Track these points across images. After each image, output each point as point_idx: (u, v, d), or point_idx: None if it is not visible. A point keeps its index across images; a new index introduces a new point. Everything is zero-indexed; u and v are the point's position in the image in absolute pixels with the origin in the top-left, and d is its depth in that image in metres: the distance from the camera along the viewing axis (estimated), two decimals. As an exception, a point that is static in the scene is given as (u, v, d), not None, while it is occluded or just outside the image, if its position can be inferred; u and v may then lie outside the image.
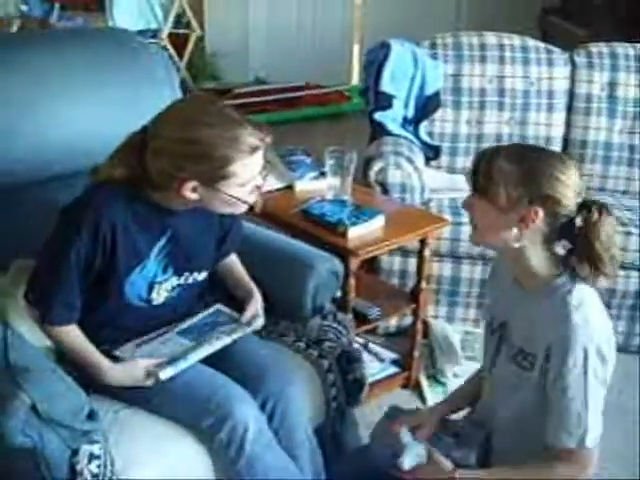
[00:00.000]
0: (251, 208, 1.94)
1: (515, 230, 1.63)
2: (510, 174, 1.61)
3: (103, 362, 1.90)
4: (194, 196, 1.83)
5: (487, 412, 1.87)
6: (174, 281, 2.01)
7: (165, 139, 1.81)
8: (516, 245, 1.65)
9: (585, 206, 1.61)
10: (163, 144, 1.80)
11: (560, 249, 1.67)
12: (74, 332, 1.92)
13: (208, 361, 1.98)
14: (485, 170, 1.65)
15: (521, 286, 1.73)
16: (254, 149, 1.81)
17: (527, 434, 1.73)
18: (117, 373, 1.89)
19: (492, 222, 1.67)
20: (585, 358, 1.59)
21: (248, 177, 1.83)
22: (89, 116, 2.31)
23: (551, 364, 1.62)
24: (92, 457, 1.71)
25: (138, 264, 1.93)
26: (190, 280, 2.05)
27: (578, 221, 1.60)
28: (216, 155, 1.78)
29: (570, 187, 1.60)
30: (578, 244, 1.63)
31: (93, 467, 1.71)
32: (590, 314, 1.62)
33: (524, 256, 1.67)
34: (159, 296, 2.00)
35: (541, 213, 1.60)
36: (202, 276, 2.08)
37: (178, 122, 1.82)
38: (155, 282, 1.98)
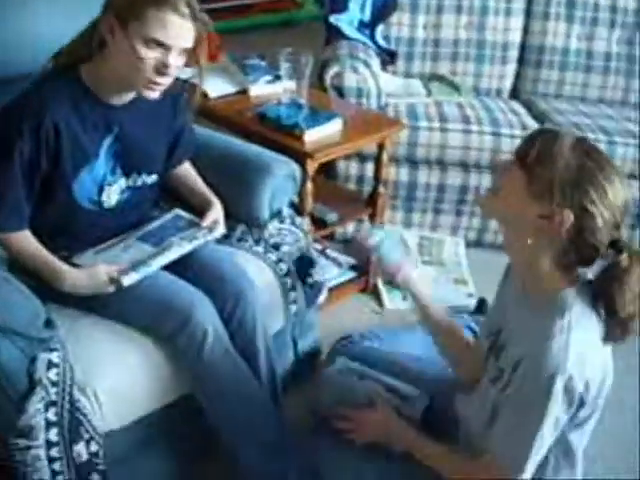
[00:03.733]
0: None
1: (532, 221, 1.47)
2: (567, 167, 1.43)
3: (62, 267, 1.84)
4: (109, 38, 1.75)
5: (462, 405, 1.83)
6: (123, 183, 1.96)
7: None
8: (524, 240, 1.51)
9: (618, 246, 1.45)
10: None
11: (579, 272, 1.53)
12: (27, 239, 1.86)
13: (167, 266, 1.95)
14: (545, 147, 1.46)
15: (525, 294, 1.60)
16: (180, 13, 1.72)
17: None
18: (78, 279, 1.84)
19: (517, 200, 1.49)
20: (550, 387, 1.44)
21: (156, 36, 1.71)
22: (32, 16, 2.17)
23: (515, 376, 1.53)
24: (51, 365, 1.69)
25: (86, 163, 1.87)
26: (139, 182, 2.00)
27: (607, 259, 1.45)
28: None
29: (612, 211, 1.43)
30: (598, 284, 1.49)
31: (52, 375, 1.69)
32: (574, 345, 1.44)
33: (532, 258, 1.52)
34: (110, 199, 1.95)
35: (563, 217, 1.43)
36: (152, 179, 2.03)
37: None
38: (104, 183, 1.92)
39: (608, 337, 1.51)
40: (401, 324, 2.83)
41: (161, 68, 1.75)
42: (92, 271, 1.84)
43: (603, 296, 1.48)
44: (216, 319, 1.92)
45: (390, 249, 1.88)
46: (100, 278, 1.83)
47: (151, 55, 1.73)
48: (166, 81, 1.80)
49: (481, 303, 2.84)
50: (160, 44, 1.73)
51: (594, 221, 1.43)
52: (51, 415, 1.67)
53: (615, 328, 1.49)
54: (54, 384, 1.68)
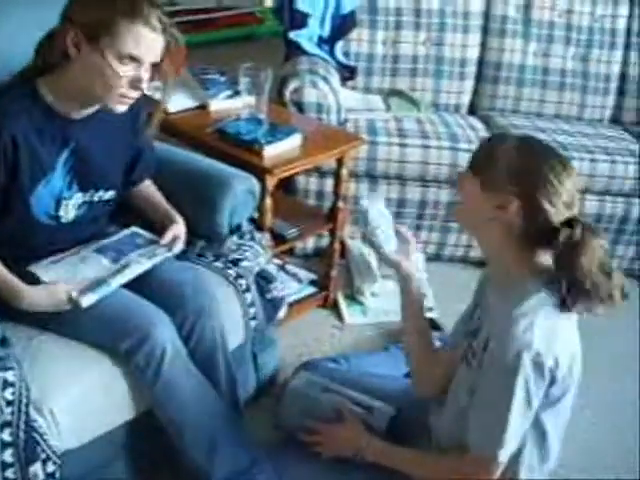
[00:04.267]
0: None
1: (491, 215, 1.59)
2: (509, 160, 1.58)
3: (20, 285, 1.80)
4: (73, 52, 1.72)
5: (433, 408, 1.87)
6: (80, 198, 1.94)
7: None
8: (489, 233, 1.62)
9: (570, 223, 1.54)
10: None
11: (543, 257, 1.61)
12: None
13: (126, 283, 1.93)
14: (489, 150, 1.63)
15: (497, 287, 1.69)
16: (151, 27, 1.71)
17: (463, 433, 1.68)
18: (36, 297, 1.80)
19: (475, 201, 1.63)
20: (516, 364, 1.50)
21: (130, 51, 1.70)
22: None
23: (485, 355, 1.58)
24: (6, 384, 1.66)
25: (43, 177, 1.85)
26: (96, 198, 1.98)
27: (561, 237, 1.52)
28: (113, 6, 1.68)
29: (560, 196, 1.54)
30: (557, 261, 1.56)
31: (7, 394, 1.65)
32: (539, 324, 1.53)
33: (499, 250, 1.63)
34: (67, 213, 1.93)
35: (515, 204, 1.55)
36: (109, 194, 2.01)
37: None
38: (62, 198, 1.91)
39: (577, 308, 1.57)
40: (361, 338, 2.85)
41: (135, 82, 1.75)
42: (51, 289, 1.81)
43: (565, 270, 1.54)
44: (175, 337, 1.91)
45: (388, 237, 1.88)
46: (59, 297, 1.80)
47: (125, 70, 1.72)
48: (138, 95, 1.80)
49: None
50: (133, 59, 1.72)
51: (542, 205, 1.54)
52: (6, 435, 1.64)
53: (583, 299, 1.55)
54: (9, 403, 1.65)
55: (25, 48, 1.83)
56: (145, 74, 1.76)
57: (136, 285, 1.95)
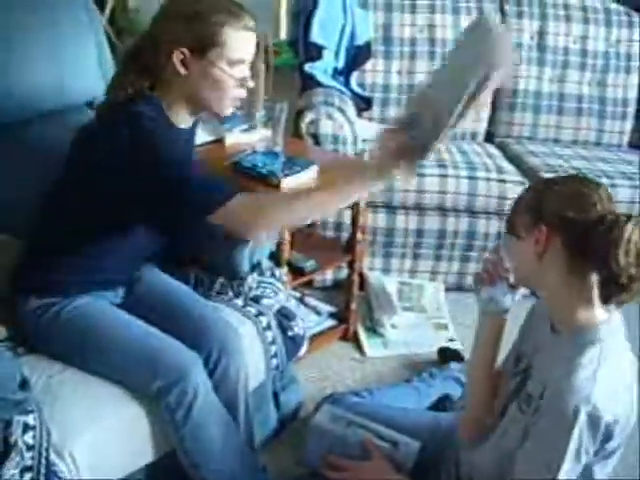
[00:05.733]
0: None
1: (534, 255, 1.55)
2: (522, 199, 1.61)
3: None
4: (183, 71, 1.77)
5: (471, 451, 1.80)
6: None
7: (163, 14, 1.81)
8: (545, 276, 1.57)
9: (602, 218, 1.48)
10: (161, 16, 1.80)
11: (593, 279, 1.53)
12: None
13: (151, 318, 1.94)
14: (515, 203, 1.64)
15: (555, 330, 1.62)
16: (249, 29, 1.80)
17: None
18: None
19: (517, 254, 1.63)
20: (574, 417, 1.44)
21: (238, 55, 1.79)
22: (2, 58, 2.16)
23: (542, 402, 1.52)
24: (27, 428, 1.64)
25: None
26: None
27: (595, 235, 1.47)
28: (212, 18, 1.75)
29: (581, 201, 1.51)
30: (592, 257, 1.49)
31: (28, 438, 1.63)
32: (602, 376, 1.46)
33: (561, 289, 1.56)
34: None
35: (544, 229, 1.53)
36: None
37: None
38: None
39: (610, 301, 1.53)
40: (382, 371, 2.82)
41: (243, 82, 1.84)
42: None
43: (605, 271, 1.49)
44: (207, 380, 1.89)
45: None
46: None
47: (235, 73, 1.80)
48: (245, 93, 1.88)
49: (442, 352, 2.84)
50: (241, 61, 1.80)
51: (567, 217, 1.50)
52: (27, 480, 1.63)
53: (618, 294, 1.51)
54: (30, 448, 1.63)
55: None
56: (248, 72, 1.84)
57: (162, 319, 1.95)
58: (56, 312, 1.91)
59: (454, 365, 2.65)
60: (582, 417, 1.43)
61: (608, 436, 1.48)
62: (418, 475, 1.87)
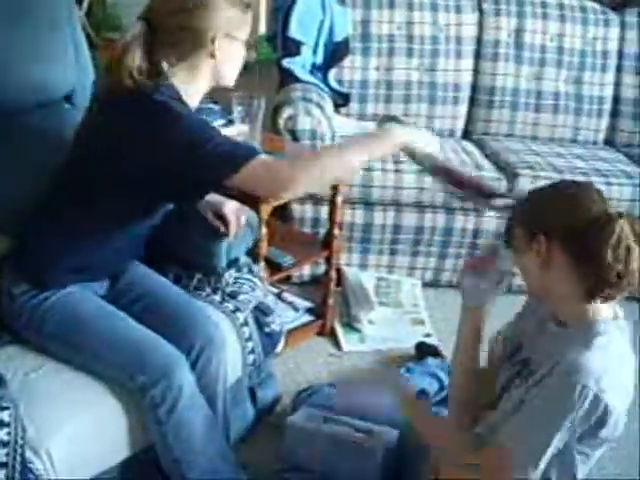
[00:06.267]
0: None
1: (538, 264, 1.58)
2: (516, 213, 1.66)
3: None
4: (218, 53, 1.85)
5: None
6: None
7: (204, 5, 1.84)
8: (548, 283, 1.60)
9: (597, 219, 1.52)
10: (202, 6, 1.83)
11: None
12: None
13: (133, 311, 1.96)
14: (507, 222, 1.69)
15: (561, 324, 1.65)
16: (247, 5, 1.91)
17: None
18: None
19: (522, 269, 1.65)
20: (580, 396, 1.47)
21: (246, 34, 1.92)
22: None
23: (548, 378, 1.54)
24: (1, 425, 1.63)
25: None
26: None
27: (590, 235, 1.51)
28: (241, 4, 1.88)
29: (576, 207, 1.55)
30: (591, 260, 1.52)
31: (3, 435, 1.63)
32: (609, 366, 1.50)
33: (560, 291, 1.59)
34: None
35: (542, 238, 1.55)
36: None
37: None
38: None
39: (598, 296, 1.55)
40: (359, 366, 2.83)
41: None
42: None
43: (594, 267, 1.51)
44: (191, 377, 1.89)
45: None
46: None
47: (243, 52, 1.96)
48: None
49: (420, 347, 2.86)
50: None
51: (563, 224, 1.53)
52: (1, 477, 1.61)
53: (607, 289, 1.53)
54: (4, 444, 1.62)
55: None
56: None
57: (145, 312, 1.97)
58: (44, 298, 1.90)
59: (431, 360, 2.67)
60: (589, 396, 1.46)
61: (601, 422, 1.51)
62: (394, 464, 1.89)
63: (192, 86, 1.90)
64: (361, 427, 2.01)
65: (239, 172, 1.71)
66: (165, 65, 1.84)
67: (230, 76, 1.95)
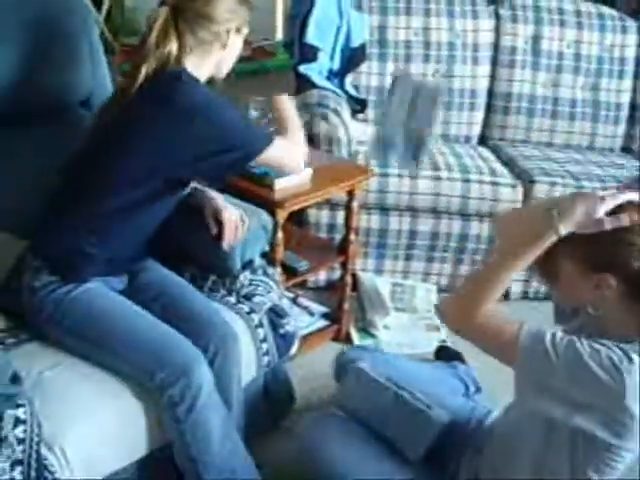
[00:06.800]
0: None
1: (592, 295, 1.56)
2: (574, 245, 1.53)
3: None
4: (228, 45, 2.01)
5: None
6: None
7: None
8: (597, 311, 1.59)
9: None
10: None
11: None
12: None
13: (152, 309, 1.98)
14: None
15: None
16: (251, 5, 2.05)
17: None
18: None
19: (571, 290, 1.61)
20: (619, 376, 1.46)
21: (247, 32, 2.07)
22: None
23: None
24: (17, 422, 1.65)
25: None
26: None
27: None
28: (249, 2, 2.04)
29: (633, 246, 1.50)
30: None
31: (19, 432, 1.64)
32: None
33: (609, 316, 1.59)
34: None
35: (611, 280, 1.52)
36: None
37: None
38: None
39: None
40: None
41: None
42: None
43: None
44: (211, 377, 1.91)
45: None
46: None
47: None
48: None
49: (440, 352, 2.84)
50: None
51: (623, 263, 1.50)
52: (17, 474, 1.63)
53: None
54: (21, 442, 1.64)
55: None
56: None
57: (163, 310, 1.99)
58: (65, 292, 1.93)
59: (459, 366, 2.60)
60: (627, 382, 1.44)
61: (623, 425, 1.50)
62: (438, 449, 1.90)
63: (198, 74, 1.98)
64: (422, 399, 1.99)
65: (271, 146, 1.98)
66: (182, 51, 1.94)
67: (227, 69, 2.10)
